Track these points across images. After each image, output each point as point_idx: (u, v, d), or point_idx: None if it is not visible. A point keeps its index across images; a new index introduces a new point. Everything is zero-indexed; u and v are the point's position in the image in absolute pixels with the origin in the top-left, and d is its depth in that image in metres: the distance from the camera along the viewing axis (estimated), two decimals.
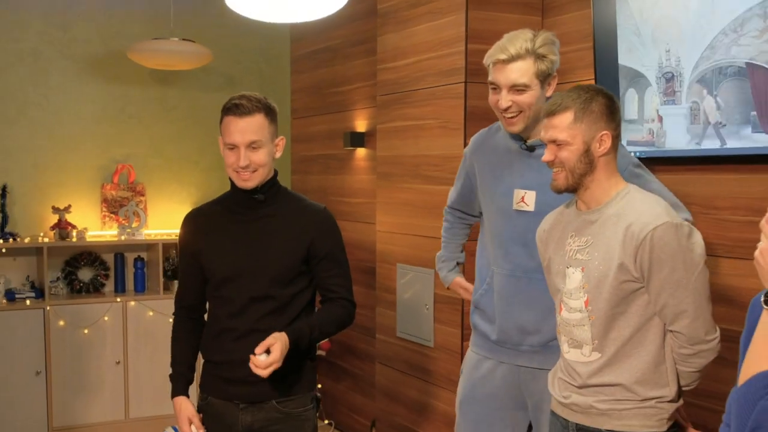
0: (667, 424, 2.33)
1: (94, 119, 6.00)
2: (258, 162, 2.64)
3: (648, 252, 2.23)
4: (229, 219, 2.78)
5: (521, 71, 2.66)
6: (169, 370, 2.87)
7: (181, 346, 2.88)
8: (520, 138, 2.81)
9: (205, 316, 2.90)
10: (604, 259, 2.31)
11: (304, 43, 6.31)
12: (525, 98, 2.68)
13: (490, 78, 2.75)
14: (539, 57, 2.67)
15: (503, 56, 2.67)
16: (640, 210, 2.30)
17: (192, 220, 2.88)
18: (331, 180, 5.91)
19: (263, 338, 2.59)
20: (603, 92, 2.38)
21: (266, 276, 2.71)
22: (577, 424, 2.40)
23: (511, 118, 2.72)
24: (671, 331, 2.29)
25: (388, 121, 4.47)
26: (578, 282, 2.37)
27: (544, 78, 2.69)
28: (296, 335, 2.59)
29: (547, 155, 2.36)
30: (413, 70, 4.20)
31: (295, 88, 6.49)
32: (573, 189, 2.37)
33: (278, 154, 2.75)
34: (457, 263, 3.27)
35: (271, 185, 2.75)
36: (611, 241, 2.30)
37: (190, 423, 2.73)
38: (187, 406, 2.76)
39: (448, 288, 3.30)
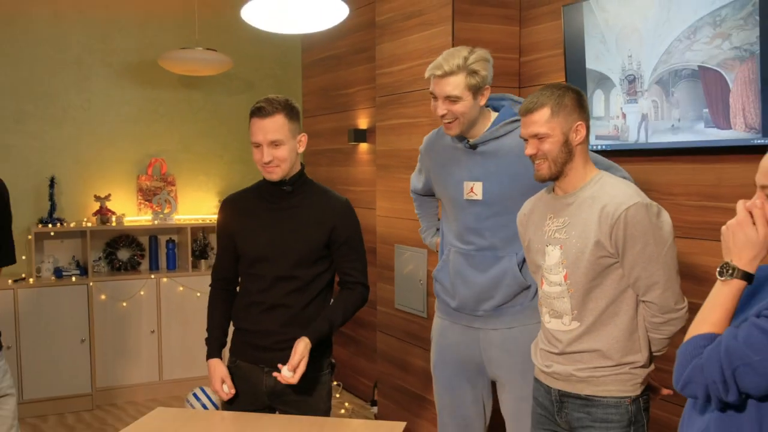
0: (641, 388, 2.30)
1: (130, 119, 5.99)
2: (280, 157, 2.63)
3: (622, 230, 2.21)
4: (261, 206, 2.76)
5: (453, 85, 2.69)
6: (202, 336, 2.86)
7: (216, 313, 2.85)
8: (464, 139, 2.84)
9: (238, 289, 2.88)
10: (581, 237, 2.28)
11: (314, 51, 6.29)
12: (458, 107, 2.71)
13: (430, 89, 2.78)
14: (471, 72, 2.69)
15: (438, 72, 2.71)
16: (612, 192, 2.27)
17: (229, 205, 2.85)
18: (337, 171, 5.90)
19: (287, 312, 2.67)
20: (571, 88, 2.35)
21: (291, 258, 2.69)
22: (559, 390, 2.38)
23: (448, 123, 2.77)
24: (644, 301, 2.27)
25: (386, 120, 4.45)
26: (557, 258, 2.35)
27: (476, 90, 2.72)
28: (317, 335, 2.60)
29: (529, 149, 2.33)
30: (407, 74, 4.18)
31: (305, 91, 6.47)
32: (555, 177, 2.34)
33: (301, 149, 2.73)
34: (437, 229, 3.31)
35: (298, 178, 2.73)
36: (587, 221, 2.28)
37: (222, 382, 2.72)
38: (220, 368, 2.75)
39: (435, 251, 3.32)
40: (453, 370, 3.00)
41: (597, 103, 3.36)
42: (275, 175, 2.66)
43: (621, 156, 3.24)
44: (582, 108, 2.33)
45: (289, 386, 2.70)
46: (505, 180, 2.79)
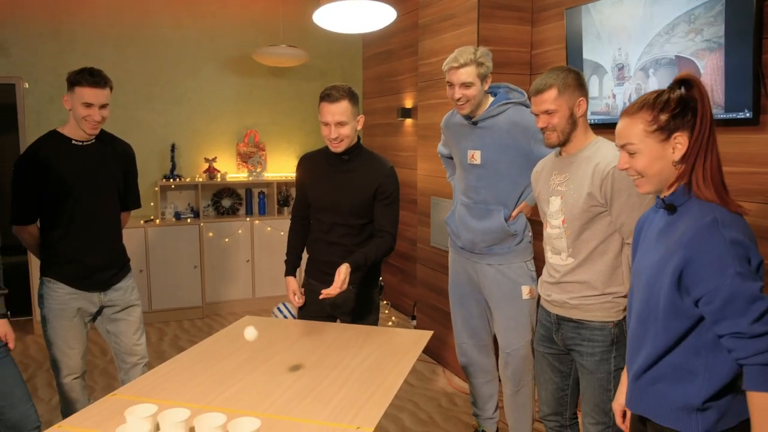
0: (623, 314, 2.21)
1: (231, 100, 5.98)
2: (343, 135, 2.59)
3: (610, 184, 2.11)
4: (326, 167, 2.72)
5: (467, 74, 2.69)
6: (283, 258, 2.85)
7: (293, 242, 2.83)
8: (468, 117, 2.82)
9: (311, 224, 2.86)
10: (577, 190, 2.19)
11: (371, 47, 6.18)
12: (470, 92, 2.71)
13: (447, 79, 2.76)
14: (479, 64, 2.70)
15: (455, 64, 2.71)
16: (605, 153, 2.17)
17: (304, 162, 2.82)
18: (388, 140, 5.83)
19: (343, 249, 2.66)
20: (572, 70, 2.23)
21: (345, 210, 2.66)
22: (557, 315, 2.31)
23: (462, 105, 2.75)
24: (628, 243, 2.17)
25: (426, 100, 4.36)
26: (558, 207, 2.26)
27: (483, 78, 2.72)
28: (355, 264, 2.54)
29: (540, 123, 2.23)
30: (442, 65, 4.06)
31: (365, 78, 6.37)
32: (562, 144, 2.25)
33: (359, 127, 2.68)
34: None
35: (354, 149, 2.68)
36: (583, 176, 2.18)
37: (294, 294, 2.72)
38: (293, 283, 2.74)
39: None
40: (462, 290, 3.03)
41: (592, 86, 3.22)
42: (339, 148, 2.62)
43: (611, 128, 3.11)
44: (582, 86, 2.22)
45: (347, 301, 2.69)
46: (498, 149, 2.78)
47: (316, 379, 2.01)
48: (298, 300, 2.72)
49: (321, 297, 2.44)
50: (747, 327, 1.44)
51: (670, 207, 1.61)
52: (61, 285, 2.68)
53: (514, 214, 2.83)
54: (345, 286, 2.45)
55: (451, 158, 3.16)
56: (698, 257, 1.48)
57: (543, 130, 2.24)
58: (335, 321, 2.80)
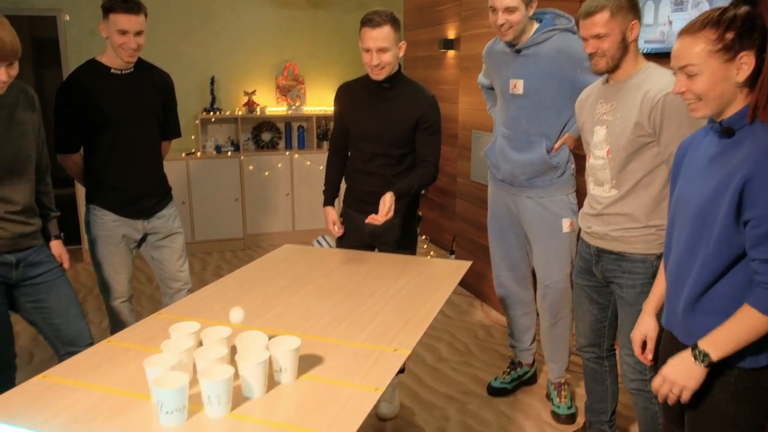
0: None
1: (271, 33, 5.92)
2: (385, 61, 2.52)
3: (660, 112, 2.02)
4: (366, 96, 2.68)
5: None
6: (322, 189, 2.85)
7: (331, 172, 2.82)
8: (512, 45, 2.71)
9: (348, 155, 2.84)
10: (624, 119, 2.11)
11: None
12: (514, 17, 2.60)
13: (489, 4, 2.64)
14: None
15: None
16: (655, 80, 2.06)
17: (342, 91, 2.78)
18: (430, 73, 5.72)
19: (383, 179, 2.65)
20: None
21: (386, 139, 2.63)
22: (597, 247, 2.28)
23: (505, 31, 2.64)
24: None
25: (469, 30, 4.25)
26: (602, 137, 2.18)
27: (527, 2, 2.61)
28: (399, 193, 2.53)
29: (589, 48, 2.12)
30: None
31: (406, 9, 6.21)
32: (611, 70, 2.15)
33: (401, 54, 2.59)
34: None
35: (395, 77, 2.62)
36: (631, 105, 2.09)
37: (334, 224, 2.73)
38: (332, 213, 2.75)
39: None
40: (501, 223, 3.00)
41: (647, 12, 3.06)
42: (380, 76, 2.56)
43: (665, 58, 2.98)
44: (635, 8, 2.10)
45: (387, 229, 2.69)
46: (541, 78, 2.68)
47: (353, 305, 2.03)
48: (337, 230, 2.74)
49: (367, 221, 2.46)
50: None
51: (728, 131, 1.55)
52: (105, 212, 2.75)
53: (557, 146, 2.76)
54: (391, 214, 2.45)
55: (492, 89, 3.08)
56: (760, 179, 1.43)
57: (591, 56, 2.14)
58: (374, 251, 2.82)
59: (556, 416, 2.93)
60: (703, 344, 1.53)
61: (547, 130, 2.74)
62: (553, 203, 2.80)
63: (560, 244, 2.82)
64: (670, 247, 1.71)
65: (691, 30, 1.55)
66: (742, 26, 1.49)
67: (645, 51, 3.03)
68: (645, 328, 1.86)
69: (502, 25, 2.62)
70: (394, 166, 2.67)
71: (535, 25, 2.71)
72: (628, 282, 2.20)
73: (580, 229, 2.40)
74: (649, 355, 1.86)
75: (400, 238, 2.74)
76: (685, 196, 1.63)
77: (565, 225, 2.80)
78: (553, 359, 2.98)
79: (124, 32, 2.58)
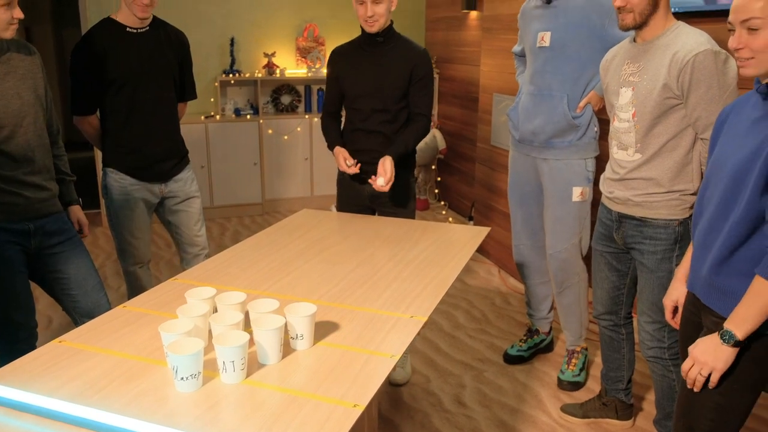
0: (689, 212, 2.12)
1: None
2: (379, 13, 2.55)
3: (689, 74, 1.95)
4: (360, 54, 2.69)
5: None
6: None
7: (331, 131, 2.77)
8: None
9: (342, 118, 2.81)
10: (651, 80, 2.04)
11: None
12: None
13: None
14: None
15: None
16: (685, 40, 1.99)
17: (336, 55, 2.77)
18: (451, 36, 5.62)
19: (381, 137, 2.66)
20: None
21: (383, 94, 2.64)
22: (619, 213, 2.24)
23: None
24: (702, 138, 2.04)
25: None
26: (628, 99, 2.12)
27: None
28: (397, 153, 2.55)
29: (618, 1, 2.06)
30: None
31: None
32: (638, 27, 2.07)
33: (393, 8, 2.61)
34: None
35: (387, 30, 2.64)
36: (659, 66, 2.02)
37: (346, 159, 2.64)
38: (343, 151, 2.67)
39: None
40: (522, 189, 2.96)
41: None
42: (374, 28, 2.58)
43: (694, 17, 2.88)
44: None
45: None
46: (569, 29, 2.63)
47: (370, 271, 2.02)
48: (350, 164, 2.65)
49: (375, 187, 2.46)
50: None
51: None
52: (123, 175, 2.75)
53: (581, 104, 2.69)
54: (393, 178, 2.47)
55: (524, 56, 3.02)
56: None
57: (619, 10, 2.08)
58: (373, 213, 2.82)
59: (559, 382, 2.94)
60: (728, 324, 1.52)
61: (570, 85, 2.68)
62: (568, 168, 2.75)
63: (568, 213, 2.77)
64: (701, 211, 1.68)
65: None
66: None
67: (673, 10, 2.93)
68: (676, 294, 1.85)
69: None
70: (391, 122, 2.67)
71: None
72: (650, 248, 2.17)
73: (595, 198, 2.36)
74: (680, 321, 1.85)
75: (400, 197, 2.75)
76: (723, 159, 1.59)
77: (576, 193, 2.75)
78: (567, 327, 2.97)
79: None
